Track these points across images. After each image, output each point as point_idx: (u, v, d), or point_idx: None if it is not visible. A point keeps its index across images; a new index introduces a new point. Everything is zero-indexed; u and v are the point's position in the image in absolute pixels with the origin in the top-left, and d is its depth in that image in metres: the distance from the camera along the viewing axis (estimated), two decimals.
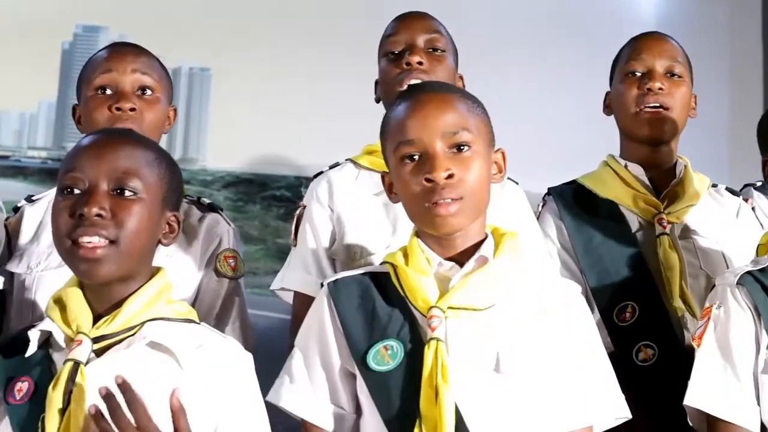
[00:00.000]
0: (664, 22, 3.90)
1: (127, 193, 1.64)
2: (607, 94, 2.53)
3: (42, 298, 2.11)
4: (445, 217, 1.69)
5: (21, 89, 4.17)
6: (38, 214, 2.27)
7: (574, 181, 2.53)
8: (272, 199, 4.09)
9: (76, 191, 1.64)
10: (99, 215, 1.60)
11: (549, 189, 2.53)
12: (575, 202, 2.47)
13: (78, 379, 1.58)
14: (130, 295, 1.66)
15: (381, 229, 2.21)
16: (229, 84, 4.02)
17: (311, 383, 1.79)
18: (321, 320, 1.80)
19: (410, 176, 1.72)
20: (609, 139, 2.57)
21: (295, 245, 2.33)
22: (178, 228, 1.74)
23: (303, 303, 2.22)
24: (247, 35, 3.97)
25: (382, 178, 1.85)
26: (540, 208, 2.49)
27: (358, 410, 1.78)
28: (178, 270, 2.10)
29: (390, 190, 1.82)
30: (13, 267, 2.22)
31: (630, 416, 1.80)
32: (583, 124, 3.44)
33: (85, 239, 1.60)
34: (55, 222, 1.65)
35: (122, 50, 2.26)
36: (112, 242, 1.61)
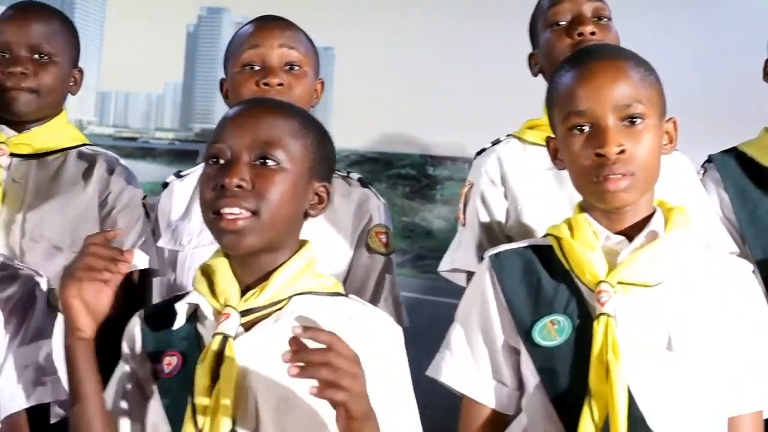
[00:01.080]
0: None
1: (270, 163, 1.60)
2: (767, 61, 2.42)
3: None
4: (614, 193, 1.63)
5: (147, 71, 4.22)
6: (188, 190, 2.26)
7: (734, 149, 2.42)
8: (397, 178, 4.06)
9: (221, 161, 1.61)
10: (239, 186, 1.57)
11: (710, 156, 2.43)
12: (737, 171, 2.36)
13: (227, 353, 1.55)
14: (277, 267, 1.63)
15: (557, 204, 2.12)
16: (352, 63, 4.00)
17: (473, 358, 1.76)
18: (483, 294, 1.76)
19: (580, 149, 1.66)
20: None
21: (463, 225, 2.26)
22: (328, 199, 1.69)
23: None
24: (369, 13, 3.95)
25: (547, 143, 1.79)
26: (701, 176, 2.40)
27: (520, 386, 1.74)
28: (330, 246, 2.08)
29: (555, 155, 1.77)
30: (164, 243, 2.22)
31: None
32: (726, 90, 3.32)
33: (226, 210, 1.57)
34: (201, 192, 1.63)
35: (269, 25, 2.22)
36: (253, 213, 1.57)
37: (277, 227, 1.60)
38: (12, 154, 2.24)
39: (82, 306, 1.57)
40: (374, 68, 3.93)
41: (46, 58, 2.26)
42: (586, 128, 1.65)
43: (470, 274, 2.20)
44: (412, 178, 4.05)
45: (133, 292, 2.22)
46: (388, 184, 4.07)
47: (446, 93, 3.81)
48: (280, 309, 1.61)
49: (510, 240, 2.16)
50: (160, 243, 2.23)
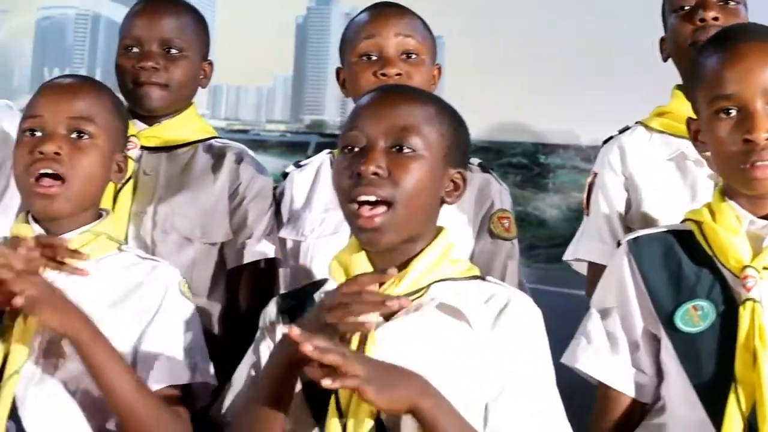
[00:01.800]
0: None
1: (406, 150, 1.59)
2: None
3: (318, 265, 2.11)
4: (762, 180, 1.60)
5: (258, 65, 4.29)
6: (307, 180, 2.27)
7: None
8: (508, 166, 4.05)
9: (356, 149, 1.61)
10: (376, 173, 1.56)
11: None
12: None
13: (368, 343, 1.54)
14: (414, 256, 1.62)
15: (679, 195, 2.12)
16: (462, 51, 3.99)
17: (610, 345, 1.73)
18: (621, 279, 1.73)
19: (726, 134, 1.62)
20: None
21: (587, 214, 2.26)
22: (464, 186, 1.67)
23: (598, 274, 2.17)
24: (478, 1, 3.92)
25: (687, 124, 1.76)
26: None
27: (658, 374, 1.71)
28: (452, 232, 2.07)
29: (695, 137, 1.73)
30: (285, 233, 2.24)
31: None
32: None
33: (362, 198, 1.57)
34: (337, 181, 1.63)
35: (384, 13, 2.21)
36: (389, 204, 1.57)
37: (414, 217, 1.60)
38: (142, 147, 2.26)
39: None
40: (484, 57, 3.90)
41: (177, 52, 2.26)
42: (734, 112, 1.62)
43: (591, 264, 2.21)
44: (523, 166, 4.04)
45: (263, 282, 2.25)
46: (500, 173, 4.02)
47: (557, 80, 3.78)
48: (419, 297, 1.60)
49: (630, 230, 2.15)
50: (282, 233, 2.25)
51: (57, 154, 1.76)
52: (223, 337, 2.23)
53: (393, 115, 1.60)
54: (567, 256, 2.30)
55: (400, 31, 2.17)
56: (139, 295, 1.80)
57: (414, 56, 2.17)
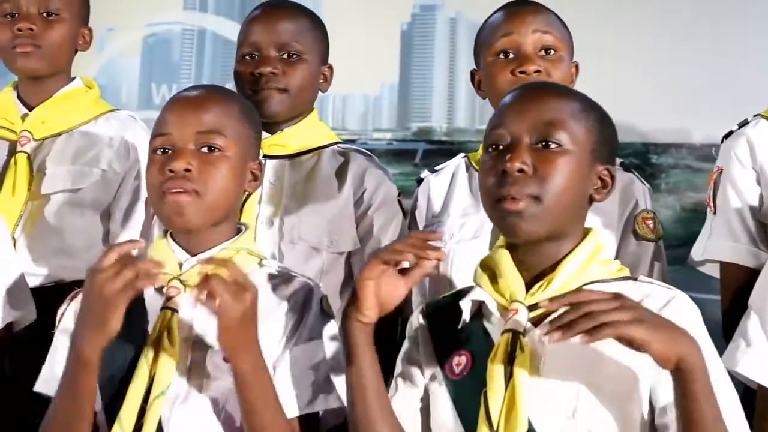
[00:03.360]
0: None
1: (552, 145, 1.56)
2: None
3: (458, 270, 2.09)
4: None
5: (364, 73, 4.24)
6: (443, 184, 2.26)
7: None
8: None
9: (500, 147, 1.58)
10: (521, 170, 1.54)
11: None
12: None
13: (518, 349, 1.51)
14: (563, 257, 1.58)
15: None
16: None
17: None
18: None
19: None
20: None
21: (713, 212, 2.20)
22: (612, 184, 1.63)
23: (735, 274, 2.11)
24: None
25: None
26: None
27: None
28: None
29: None
30: None
31: None
32: None
33: (509, 196, 1.54)
34: (482, 180, 1.60)
35: (521, 10, 2.19)
36: (536, 198, 1.54)
37: (560, 213, 1.56)
38: (265, 156, 2.24)
39: (374, 291, 1.56)
40: (592, 54, 3.83)
41: (295, 56, 2.26)
42: None
43: (724, 265, 2.14)
44: (635, 167, 3.94)
45: None
46: None
47: (667, 76, 3.69)
48: None
49: (765, 227, 2.07)
50: None
51: (187, 170, 1.70)
52: None
53: (537, 110, 1.58)
54: (695, 257, 2.22)
55: (537, 28, 2.15)
56: (281, 311, 1.76)
57: (552, 52, 2.15)
